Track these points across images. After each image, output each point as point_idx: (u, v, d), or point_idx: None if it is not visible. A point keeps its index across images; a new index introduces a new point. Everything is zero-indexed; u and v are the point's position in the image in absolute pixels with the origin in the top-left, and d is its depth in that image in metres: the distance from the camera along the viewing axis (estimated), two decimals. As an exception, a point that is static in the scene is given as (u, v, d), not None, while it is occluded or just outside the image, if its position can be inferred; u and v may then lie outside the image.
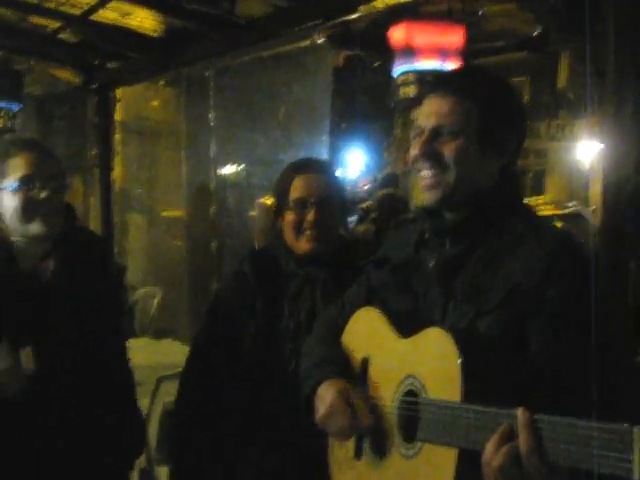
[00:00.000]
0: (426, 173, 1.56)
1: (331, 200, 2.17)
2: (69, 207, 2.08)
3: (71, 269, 2.00)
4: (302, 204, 2.16)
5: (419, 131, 1.59)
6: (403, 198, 6.39)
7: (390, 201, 6.71)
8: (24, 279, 1.97)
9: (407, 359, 1.53)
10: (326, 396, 1.64)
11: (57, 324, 1.96)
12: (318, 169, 2.25)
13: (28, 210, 1.94)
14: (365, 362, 1.67)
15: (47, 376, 1.91)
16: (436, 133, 1.55)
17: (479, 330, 1.45)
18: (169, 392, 3.58)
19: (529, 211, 1.65)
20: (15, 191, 1.94)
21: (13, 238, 1.96)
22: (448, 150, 1.54)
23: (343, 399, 1.60)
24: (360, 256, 2.08)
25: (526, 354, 1.41)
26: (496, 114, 1.55)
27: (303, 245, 2.15)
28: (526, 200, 1.77)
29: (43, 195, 1.94)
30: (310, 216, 2.14)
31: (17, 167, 1.94)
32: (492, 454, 1.23)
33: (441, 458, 1.37)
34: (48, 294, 1.97)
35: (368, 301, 1.75)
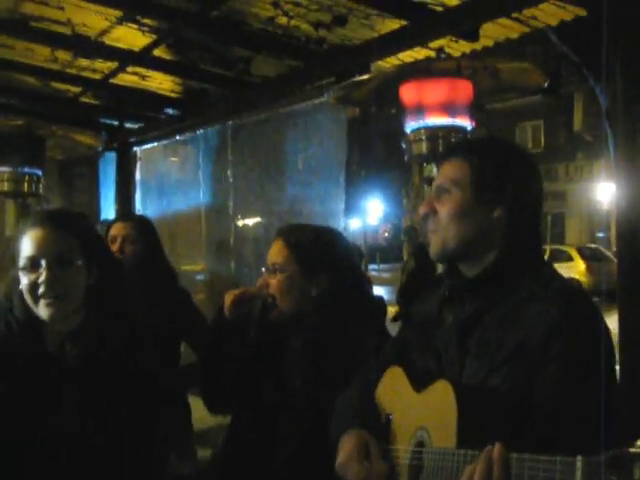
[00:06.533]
0: (427, 228, 1.71)
1: None
2: (99, 292, 1.95)
3: (90, 358, 1.92)
4: None
5: (429, 193, 1.75)
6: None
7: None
8: (47, 360, 1.91)
9: (419, 412, 1.60)
10: (345, 445, 1.71)
11: (66, 411, 1.86)
12: None
13: (32, 293, 1.88)
14: (388, 418, 1.75)
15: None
16: (438, 191, 1.71)
17: (490, 385, 1.53)
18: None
19: (544, 265, 1.71)
20: (22, 272, 1.89)
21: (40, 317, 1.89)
22: (441, 204, 1.69)
23: (360, 449, 1.67)
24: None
25: (529, 407, 1.47)
26: (487, 168, 1.67)
27: None
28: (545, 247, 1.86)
29: (43, 278, 1.86)
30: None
31: (25, 246, 1.89)
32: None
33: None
34: (64, 380, 1.89)
35: (400, 357, 1.84)
